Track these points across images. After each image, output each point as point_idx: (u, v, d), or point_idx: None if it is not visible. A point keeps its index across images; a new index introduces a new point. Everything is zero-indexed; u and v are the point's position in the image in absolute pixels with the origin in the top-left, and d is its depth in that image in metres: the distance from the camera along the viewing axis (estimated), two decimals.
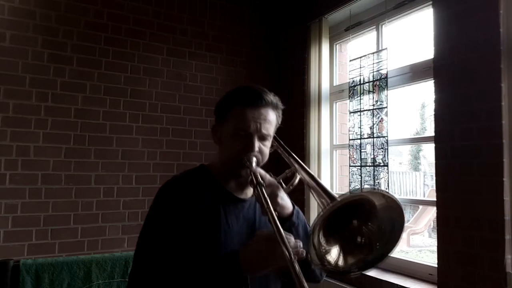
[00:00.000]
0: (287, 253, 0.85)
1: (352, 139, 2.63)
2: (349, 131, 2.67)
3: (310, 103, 2.92)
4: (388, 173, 2.36)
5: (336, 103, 2.99)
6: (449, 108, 1.97)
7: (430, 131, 6.50)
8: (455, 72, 1.95)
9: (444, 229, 1.95)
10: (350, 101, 2.67)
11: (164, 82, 2.88)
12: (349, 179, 2.63)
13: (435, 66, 2.06)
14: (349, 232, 0.97)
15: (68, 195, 2.51)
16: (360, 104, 2.59)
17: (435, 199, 2.02)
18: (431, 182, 9.65)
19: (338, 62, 3.05)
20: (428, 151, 12.35)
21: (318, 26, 2.90)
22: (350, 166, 2.64)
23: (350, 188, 2.61)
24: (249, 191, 1.15)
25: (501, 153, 1.73)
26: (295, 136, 3.08)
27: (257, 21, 3.32)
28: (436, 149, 2.02)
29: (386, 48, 2.46)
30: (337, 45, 3.05)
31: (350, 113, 2.66)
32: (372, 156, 2.46)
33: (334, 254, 0.95)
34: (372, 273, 2.33)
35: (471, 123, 1.85)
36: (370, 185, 2.45)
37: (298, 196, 2.80)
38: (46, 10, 2.52)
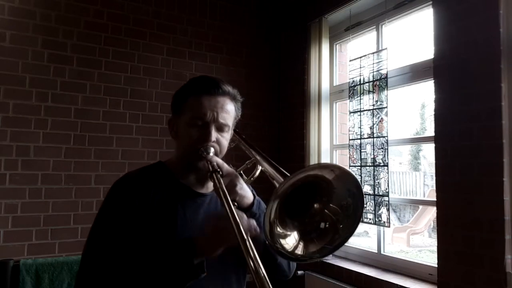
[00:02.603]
0: (236, 229, 0.84)
1: (352, 139, 2.63)
2: (349, 131, 2.67)
3: (310, 103, 2.92)
4: (388, 173, 2.36)
5: (336, 103, 2.99)
6: (449, 108, 1.97)
7: (430, 131, 6.50)
8: (455, 72, 1.95)
9: (444, 229, 1.95)
10: (350, 101, 2.67)
11: (164, 82, 2.88)
12: None
13: (435, 66, 2.06)
14: (311, 219, 0.96)
15: (68, 195, 2.51)
16: (360, 104, 2.59)
17: (435, 199, 2.02)
18: (431, 182, 9.65)
19: (338, 62, 3.05)
20: (428, 151, 12.36)
21: (318, 26, 2.90)
22: (350, 166, 2.64)
23: None
24: (210, 185, 1.09)
25: (501, 153, 1.73)
26: (295, 136, 3.09)
27: (257, 21, 3.32)
28: (436, 149, 2.02)
29: (386, 48, 2.46)
30: (337, 45, 3.05)
31: (350, 113, 2.66)
32: (372, 156, 2.46)
33: (291, 241, 0.93)
34: (372, 273, 2.33)
35: (471, 123, 1.85)
36: (371, 185, 2.45)
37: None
38: (46, 10, 2.52)
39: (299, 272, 2.73)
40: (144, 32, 2.83)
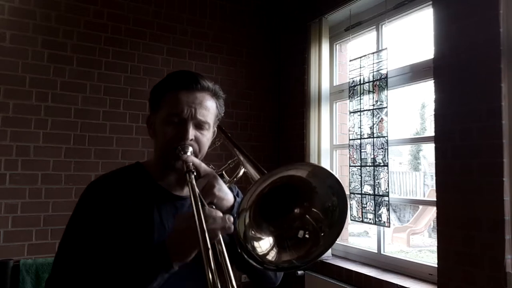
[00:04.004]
0: (200, 232, 0.77)
1: (352, 139, 2.63)
2: (349, 131, 2.67)
3: (310, 103, 2.92)
4: (388, 173, 2.36)
5: (336, 103, 2.99)
6: (449, 108, 1.97)
7: (430, 131, 6.50)
8: (455, 72, 1.95)
9: (444, 229, 1.95)
10: (350, 101, 2.67)
11: None
12: (349, 179, 2.63)
13: (435, 66, 2.07)
14: (290, 224, 0.88)
15: (68, 195, 2.51)
16: (360, 104, 2.59)
17: (435, 199, 2.02)
18: (431, 182, 9.66)
19: (338, 62, 3.05)
20: (428, 151, 12.37)
21: (318, 26, 2.90)
22: (350, 166, 2.64)
23: (350, 188, 2.61)
24: None
25: (501, 153, 1.73)
26: (295, 136, 3.09)
27: (257, 21, 3.32)
28: (436, 149, 2.02)
29: (386, 48, 2.46)
30: (337, 45, 3.05)
31: (350, 113, 2.66)
32: (372, 156, 2.46)
33: (264, 245, 0.85)
34: (372, 273, 2.33)
35: (471, 123, 1.86)
36: (371, 185, 2.45)
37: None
38: (46, 10, 2.52)
39: (299, 272, 2.73)
40: (144, 32, 2.83)
